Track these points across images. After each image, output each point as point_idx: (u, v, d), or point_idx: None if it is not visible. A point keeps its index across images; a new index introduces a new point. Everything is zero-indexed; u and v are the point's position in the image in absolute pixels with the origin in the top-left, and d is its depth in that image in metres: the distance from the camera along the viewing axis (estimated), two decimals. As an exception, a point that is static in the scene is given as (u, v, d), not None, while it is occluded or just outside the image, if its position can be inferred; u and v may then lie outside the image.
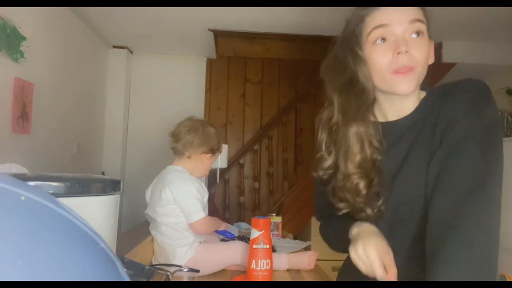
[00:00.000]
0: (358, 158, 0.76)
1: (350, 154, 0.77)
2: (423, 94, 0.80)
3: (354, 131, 0.76)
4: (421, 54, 0.72)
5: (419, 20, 0.73)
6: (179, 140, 1.37)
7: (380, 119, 0.82)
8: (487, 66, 3.60)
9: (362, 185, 0.76)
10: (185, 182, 1.30)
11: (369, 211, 0.77)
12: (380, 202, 0.76)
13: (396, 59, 0.72)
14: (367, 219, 0.78)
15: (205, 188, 1.37)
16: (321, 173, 0.83)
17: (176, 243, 1.28)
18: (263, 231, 1.15)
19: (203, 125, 1.40)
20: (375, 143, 0.77)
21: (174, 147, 1.39)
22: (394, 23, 0.72)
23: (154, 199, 1.33)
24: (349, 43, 0.79)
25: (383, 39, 0.74)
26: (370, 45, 0.75)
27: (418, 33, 0.73)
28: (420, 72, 0.73)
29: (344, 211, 0.80)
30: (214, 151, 1.39)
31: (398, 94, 0.74)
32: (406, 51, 0.71)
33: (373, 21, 0.74)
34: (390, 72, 0.73)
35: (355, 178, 0.76)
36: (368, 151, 0.76)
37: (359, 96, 0.77)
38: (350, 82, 0.78)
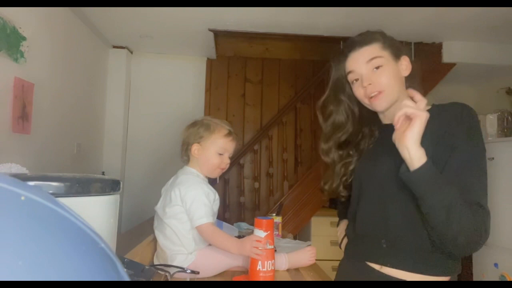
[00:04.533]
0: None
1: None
2: None
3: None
4: (383, 80, 0.97)
5: (374, 57, 0.98)
6: (181, 147, 1.39)
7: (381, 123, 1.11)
8: (487, 66, 3.60)
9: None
10: (194, 186, 1.28)
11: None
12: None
13: (366, 90, 0.99)
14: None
15: (217, 196, 1.33)
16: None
17: (176, 249, 1.27)
18: (268, 232, 1.16)
19: (190, 123, 1.39)
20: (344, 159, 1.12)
21: (181, 155, 1.40)
22: (356, 68, 1.00)
23: (166, 199, 1.32)
24: (338, 85, 1.08)
25: (356, 79, 1.01)
26: (351, 83, 1.04)
27: (377, 67, 0.98)
28: (389, 91, 0.98)
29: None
30: (197, 139, 1.33)
31: (377, 111, 1.04)
32: (370, 84, 0.98)
33: (347, 67, 1.03)
34: (367, 99, 1.00)
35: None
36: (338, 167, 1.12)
37: (336, 131, 1.10)
38: (332, 122, 1.11)
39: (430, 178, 0.82)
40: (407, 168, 0.85)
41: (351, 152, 1.12)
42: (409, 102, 0.85)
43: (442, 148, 0.90)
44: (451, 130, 0.91)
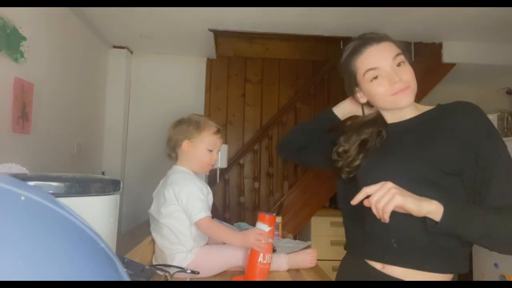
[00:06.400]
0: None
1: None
2: (419, 105, 1.03)
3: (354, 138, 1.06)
4: (409, 76, 0.95)
5: (398, 54, 0.96)
6: (166, 144, 1.39)
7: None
8: (487, 66, 3.60)
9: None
10: (186, 183, 1.29)
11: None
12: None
13: (393, 86, 0.94)
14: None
15: (209, 190, 1.34)
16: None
17: (175, 248, 1.27)
18: (271, 227, 1.22)
19: (177, 121, 1.39)
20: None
21: (167, 153, 1.40)
22: (382, 64, 0.95)
23: (159, 200, 1.32)
24: (352, 83, 1.04)
25: (377, 77, 0.96)
26: (368, 82, 0.98)
27: (401, 63, 0.96)
28: (413, 87, 0.96)
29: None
30: (187, 136, 1.34)
31: (401, 107, 0.98)
32: (399, 79, 0.94)
33: (363, 65, 0.98)
34: (391, 95, 0.95)
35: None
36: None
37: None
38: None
39: (456, 219, 0.82)
40: (433, 221, 0.83)
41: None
42: (374, 198, 0.82)
43: (465, 156, 0.89)
44: (469, 133, 0.89)
